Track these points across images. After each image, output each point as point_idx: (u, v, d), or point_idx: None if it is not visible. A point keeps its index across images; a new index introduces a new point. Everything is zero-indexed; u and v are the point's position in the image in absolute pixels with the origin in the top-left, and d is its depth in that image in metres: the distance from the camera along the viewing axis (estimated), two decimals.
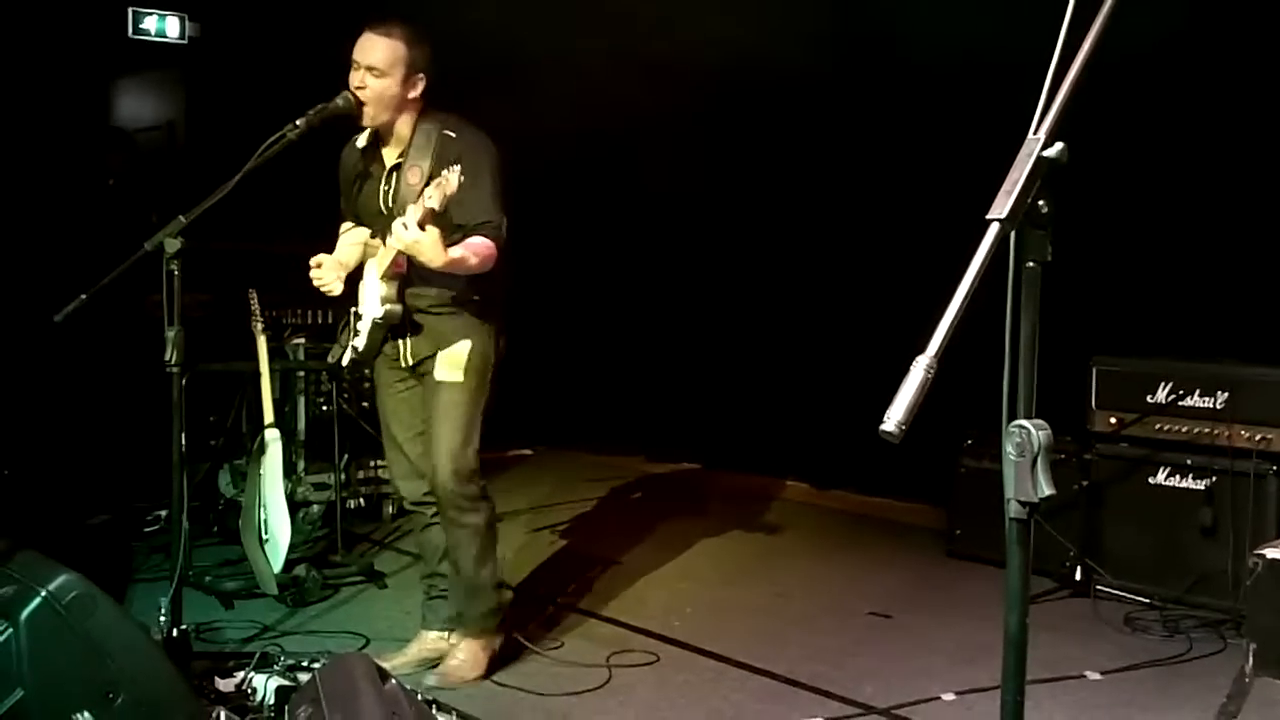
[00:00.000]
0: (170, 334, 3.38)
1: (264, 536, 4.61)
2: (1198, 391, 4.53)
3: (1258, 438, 4.34)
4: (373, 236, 3.80)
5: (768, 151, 6.63)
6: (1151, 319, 5.01)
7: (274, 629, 4.25)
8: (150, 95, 8.18)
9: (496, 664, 3.86)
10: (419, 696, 3.17)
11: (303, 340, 5.71)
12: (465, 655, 3.80)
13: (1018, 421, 1.61)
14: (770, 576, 5.08)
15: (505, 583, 3.95)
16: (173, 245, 3.31)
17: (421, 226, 3.30)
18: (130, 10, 7.16)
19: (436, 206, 3.29)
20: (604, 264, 7.42)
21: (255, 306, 4.99)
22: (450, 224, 3.48)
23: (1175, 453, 4.57)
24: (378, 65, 3.53)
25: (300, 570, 4.65)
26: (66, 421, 5.63)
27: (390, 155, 3.71)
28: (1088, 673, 3.88)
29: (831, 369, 6.21)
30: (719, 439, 7.08)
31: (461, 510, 3.73)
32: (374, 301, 3.67)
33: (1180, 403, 4.58)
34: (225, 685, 3.48)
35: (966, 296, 1.53)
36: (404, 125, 3.65)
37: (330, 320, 5.76)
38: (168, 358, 3.39)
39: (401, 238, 3.32)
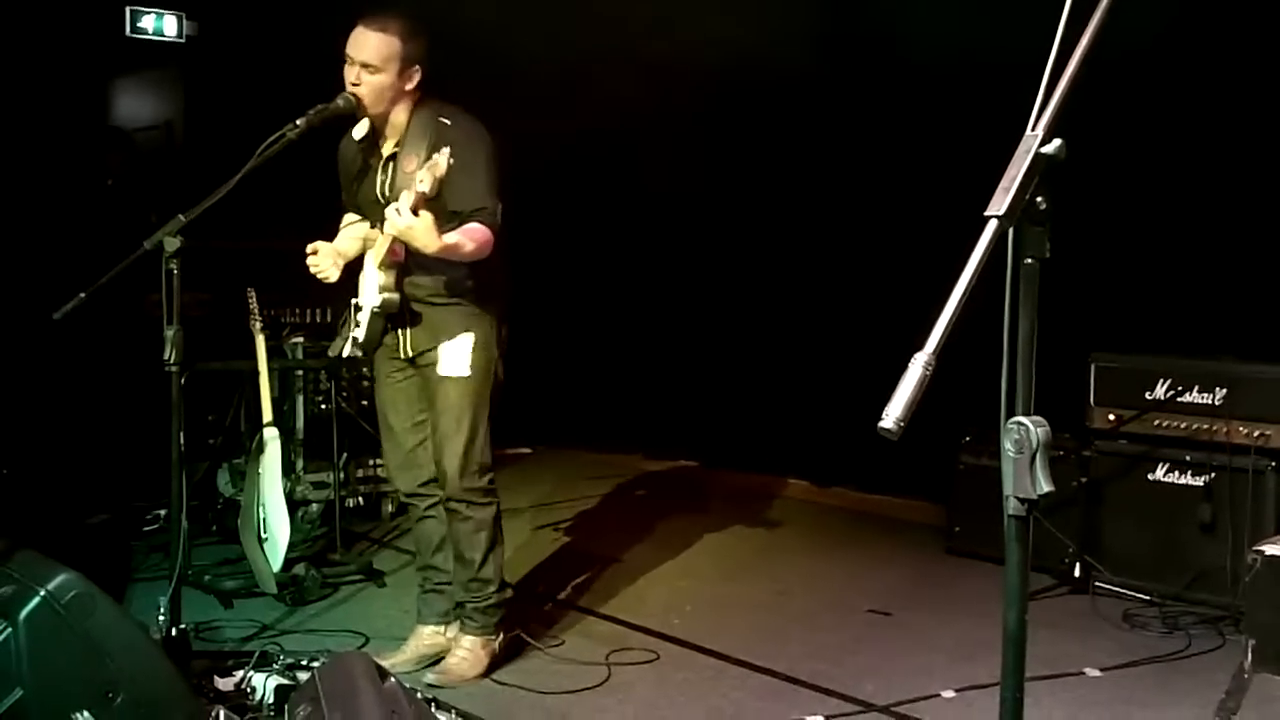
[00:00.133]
0: (169, 333, 3.38)
1: (263, 535, 4.61)
2: (1196, 388, 4.53)
3: (1256, 434, 4.34)
4: (372, 227, 3.80)
5: (766, 149, 6.63)
6: (1150, 315, 5.01)
7: (273, 628, 4.25)
8: (148, 94, 8.17)
9: (497, 662, 3.86)
10: (418, 695, 3.18)
11: (301, 339, 5.71)
12: (466, 653, 3.81)
13: (1016, 418, 1.61)
14: (770, 574, 5.09)
15: (506, 582, 3.95)
16: (172, 244, 3.32)
17: (415, 212, 3.30)
18: (128, 9, 7.15)
19: (427, 189, 3.29)
20: (603, 262, 7.42)
21: (254, 305, 4.99)
22: (445, 211, 3.48)
23: (1174, 449, 4.58)
24: (372, 61, 3.53)
25: (299, 569, 4.66)
26: (66, 421, 5.62)
27: (387, 145, 3.71)
28: (1087, 669, 3.88)
29: (830, 366, 6.20)
30: (718, 437, 7.08)
31: (467, 505, 3.74)
32: (372, 291, 3.68)
33: (1179, 399, 4.58)
34: (224, 684, 3.48)
35: (965, 293, 1.53)
36: (400, 115, 3.65)
37: (329, 319, 5.77)
38: (167, 357, 3.39)
39: (395, 223, 3.32)
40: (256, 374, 4.89)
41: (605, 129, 6.92)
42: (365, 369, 4.54)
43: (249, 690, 3.41)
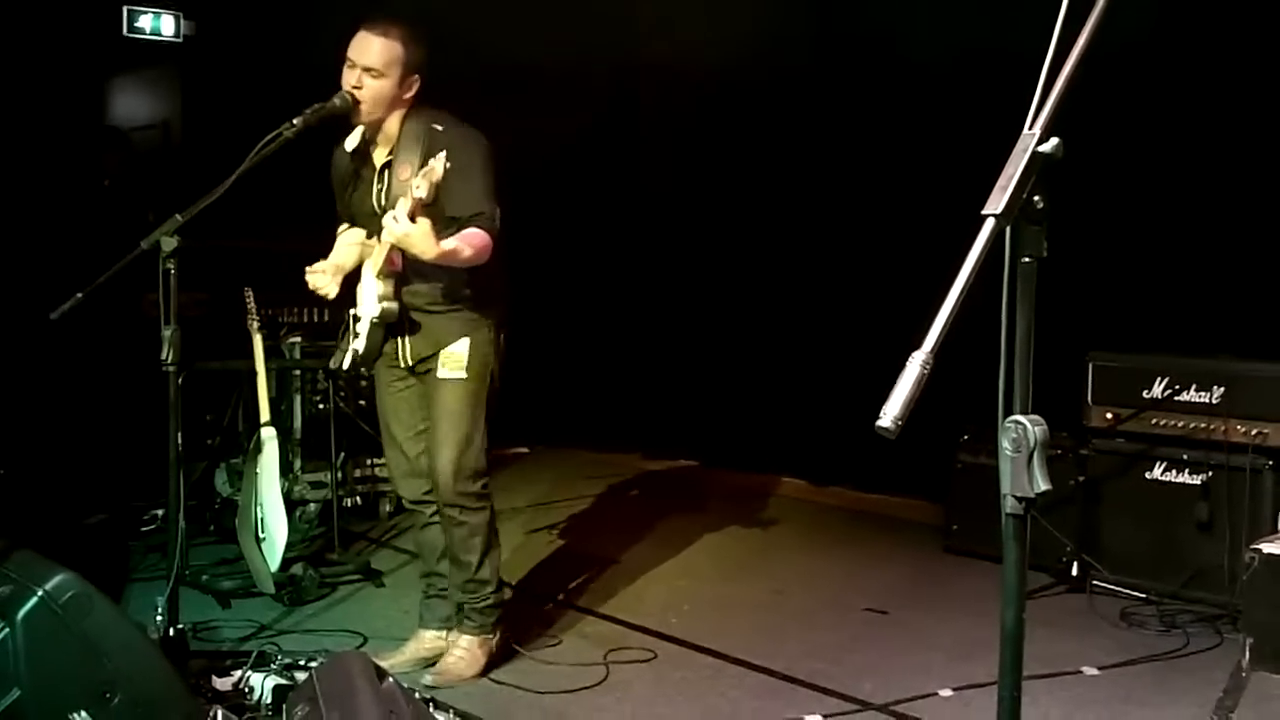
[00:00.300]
0: (167, 333, 3.38)
1: (261, 535, 4.61)
2: (1194, 386, 4.53)
3: (1254, 432, 4.34)
4: (369, 237, 3.79)
5: (763, 149, 6.63)
6: (1147, 314, 5.01)
7: (271, 628, 4.25)
8: (145, 94, 8.16)
9: (495, 662, 3.86)
10: (416, 695, 3.17)
11: (299, 339, 5.71)
12: (463, 652, 3.81)
13: (1014, 417, 1.61)
14: (768, 573, 5.09)
15: (505, 581, 3.95)
16: (169, 244, 3.31)
17: (412, 219, 3.29)
18: (125, 9, 7.13)
19: (424, 196, 3.28)
20: (601, 262, 7.42)
21: (251, 305, 4.98)
22: (443, 217, 3.47)
23: (1171, 448, 4.58)
24: (375, 65, 3.52)
25: (297, 569, 4.65)
26: (63, 421, 5.62)
27: (380, 154, 3.70)
28: (1084, 668, 3.88)
29: (828, 365, 6.21)
30: (716, 436, 7.08)
31: (461, 510, 3.73)
32: (371, 301, 3.67)
33: (1176, 398, 4.58)
34: (222, 684, 3.48)
35: (962, 292, 1.53)
36: (393, 123, 3.64)
37: (327, 319, 5.76)
38: (164, 356, 3.39)
39: (392, 230, 3.31)
40: (254, 374, 4.89)
41: (603, 128, 6.93)
42: (364, 369, 4.52)
43: (247, 690, 3.40)
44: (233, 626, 4.23)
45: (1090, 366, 4.81)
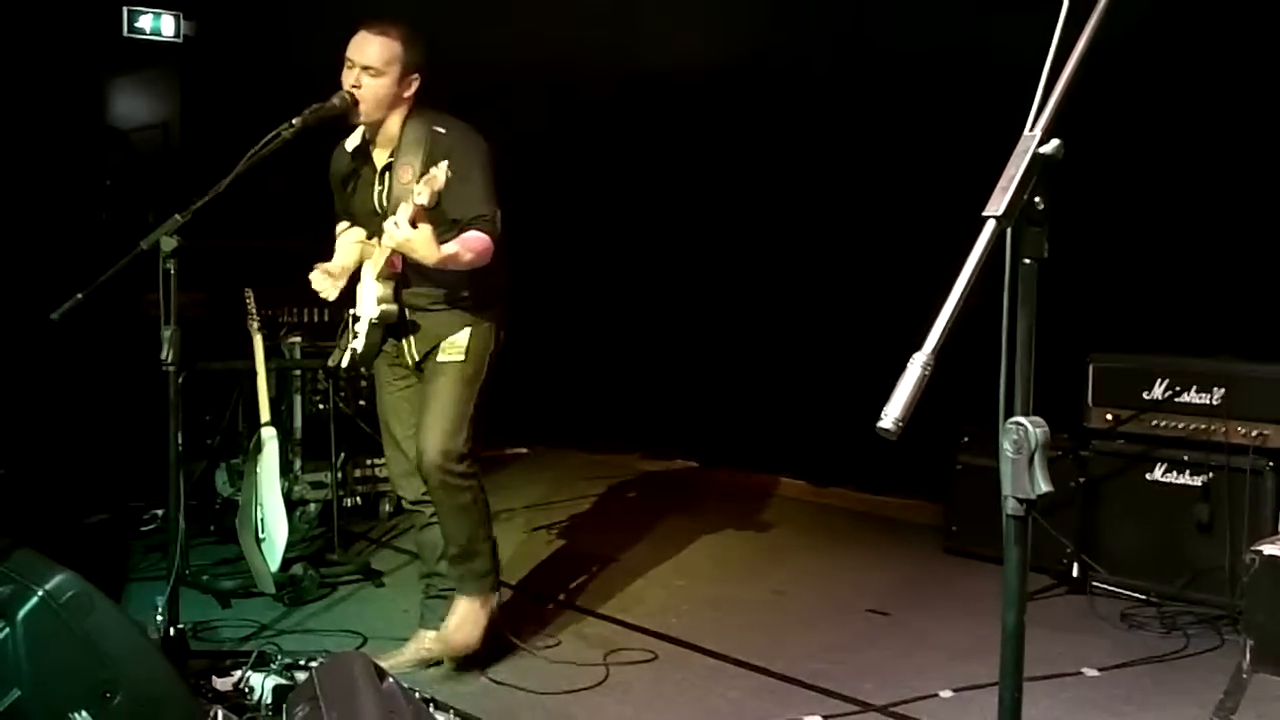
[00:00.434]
0: (166, 333, 3.39)
1: (261, 535, 4.61)
2: (1194, 388, 4.53)
3: (1254, 434, 4.34)
4: (369, 238, 3.79)
5: (764, 150, 6.63)
6: (1148, 315, 5.01)
7: (271, 628, 4.25)
8: (145, 94, 8.17)
9: (496, 623, 3.84)
10: (417, 695, 3.17)
11: (299, 339, 5.71)
12: (463, 615, 3.77)
13: (1015, 418, 1.61)
14: (768, 574, 5.09)
15: (504, 582, 3.94)
16: (169, 244, 3.31)
17: (413, 224, 3.29)
18: (125, 9, 7.14)
19: (426, 202, 3.28)
20: (600, 262, 7.41)
21: (251, 305, 4.99)
22: (445, 220, 3.47)
23: (1172, 449, 4.58)
24: (374, 65, 3.53)
25: (297, 569, 4.65)
26: (63, 420, 5.63)
27: (381, 155, 3.70)
28: (1085, 669, 3.88)
29: (829, 366, 6.21)
30: (716, 437, 7.08)
31: (449, 490, 3.67)
32: (370, 303, 3.67)
33: (1177, 399, 4.58)
34: (222, 684, 3.47)
35: (963, 294, 1.53)
36: (393, 123, 3.64)
37: (326, 319, 5.76)
38: (164, 356, 3.40)
39: (394, 236, 3.32)
40: (254, 374, 4.89)
41: (602, 129, 6.92)
42: (363, 369, 4.53)
43: (247, 690, 3.40)
44: (233, 626, 4.23)
45: (1091, 368, 4.81)
